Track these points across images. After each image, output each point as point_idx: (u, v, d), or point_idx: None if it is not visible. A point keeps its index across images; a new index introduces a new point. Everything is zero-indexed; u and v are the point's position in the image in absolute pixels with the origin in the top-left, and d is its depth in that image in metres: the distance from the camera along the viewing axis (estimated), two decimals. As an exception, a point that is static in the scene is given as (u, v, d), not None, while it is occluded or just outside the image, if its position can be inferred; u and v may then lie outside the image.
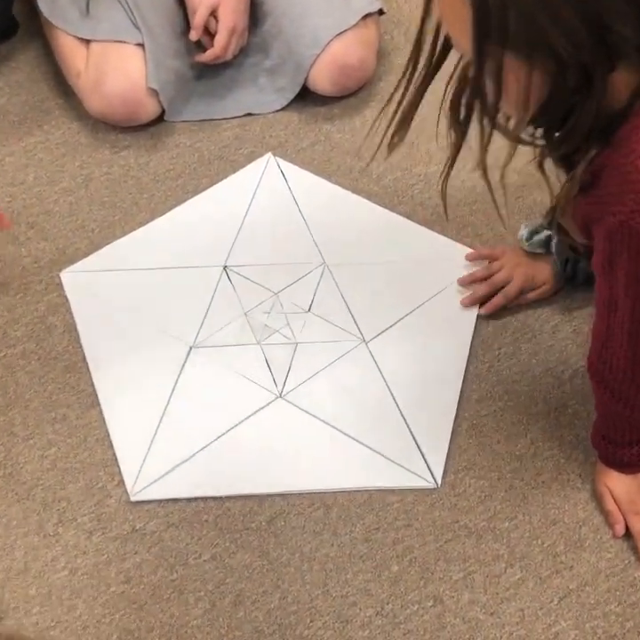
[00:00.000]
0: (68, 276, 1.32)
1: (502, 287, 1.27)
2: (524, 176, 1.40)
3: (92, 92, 1.42)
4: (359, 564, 1.10)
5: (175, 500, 1.14)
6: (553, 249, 1.24)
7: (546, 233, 1.23)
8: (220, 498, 1.14)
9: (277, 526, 1.12)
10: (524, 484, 1.15)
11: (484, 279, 1.29)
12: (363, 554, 1.11)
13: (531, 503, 1.14)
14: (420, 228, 1.37)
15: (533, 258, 1.26)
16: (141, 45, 1.42)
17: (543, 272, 1.26)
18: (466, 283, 1.29)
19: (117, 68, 1.41)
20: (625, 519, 1.10)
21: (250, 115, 1.50)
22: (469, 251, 1.34)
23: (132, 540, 1.12)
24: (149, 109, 1.44)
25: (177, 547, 1.11)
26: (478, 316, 1.28)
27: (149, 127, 1.47)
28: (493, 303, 1.27)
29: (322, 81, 1.46)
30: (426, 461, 1.16)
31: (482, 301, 1.28)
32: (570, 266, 1.25)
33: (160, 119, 1.47)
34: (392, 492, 1.15)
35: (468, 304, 1.28)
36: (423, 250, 1.35)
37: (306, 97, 1.50)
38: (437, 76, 0.90)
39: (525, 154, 0.89)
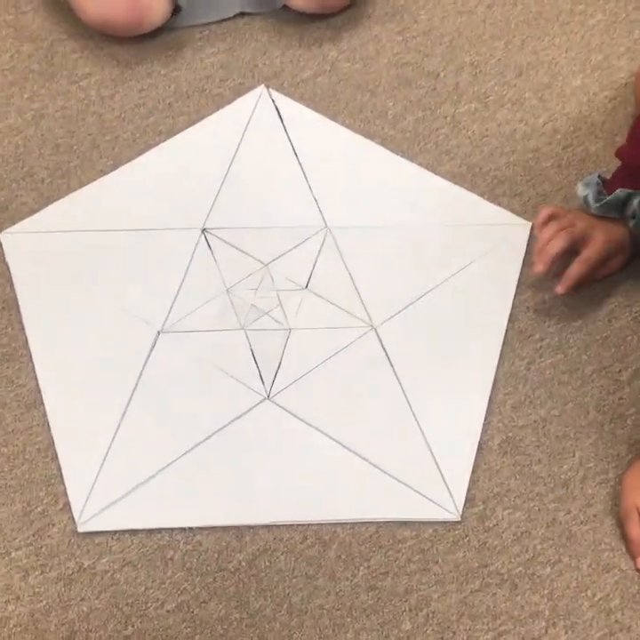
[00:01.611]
0: (9, 238, 1.09)
1: (579, 250, 1.00)
2: (574, 120, 1.16)
3: None
4: (362, 619, 0.89)
5: (133, 532, 0.93)
6: (632, 212, 0.98)
7: (624, 191, 0.98)
8: (190, 530, 0.93)
9: (260, 568, 0.91)
10: (571, 518, 0.94)
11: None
12: (367, 606, 0.89)
13: (579, 543, 0.93)
14: (444, 184, 1.13)
15: (605, 221, 1.00)
16: None
17: (620, 236, 1.01)
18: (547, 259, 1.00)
19: None
20: None
21: (243, 14, 1.22)
22: (506, 213, 1.10)
23: (79, 583, 0.91)
24: (157, 13, 1.18)
25: (134, 592, 0.90)
26: (515, 298, 1.04)
27: (116, 51, 1.20)
28: (572, 274, 1.00)
29: None
30: (447, 486, 0.93)
31: (558, 259, 1.00)
32: None
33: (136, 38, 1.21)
34: (405, 524, 0.93)
35: (542, 270, 0.99)
36: (448, 211, 1.11)
37: (307, 16, 1.23)
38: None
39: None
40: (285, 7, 1.22)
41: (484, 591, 0.90)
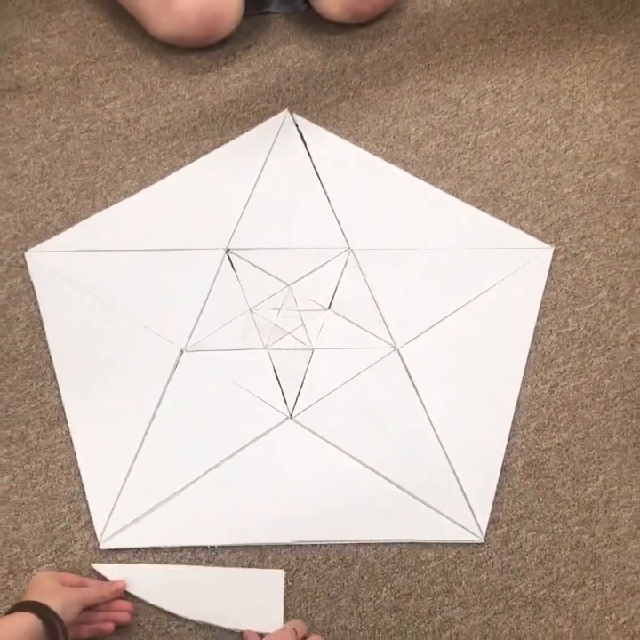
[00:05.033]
0: (34, 257, 1.09)
1: None
2: (595, 146, 1.17)
3: (160, 11, 1.18)
4: (385, 640, 0.87)
5: (155, 550, 0.92)
6: None
7: None
8: (213, 548, 0.92)
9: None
10: (595, 541, 0.92)
11: None
12: (390, 627, 0.88)
13: (603, 566, 0.91)
14: (467, 208, 1.13)
15: None
16: None
17: None
18: None
19: None
20: None
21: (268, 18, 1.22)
22: (528, 237, 1.10)
23: (100, 600, 0.89)
24: (228, 20, 1.20)
25: (155, 610, 0.88)
26: (538, 321, 1.04)
27: (141, 75, 1.21)
28: None
29: (331, 3, 1.20)
30: (471, 508, 0.93)
31: None
32: None
33: (163, 61, 1.21)
34: (428, 546, 0.92)
35: None
36: (470, 235, 1.11)
37: (331, 43, 1.24)
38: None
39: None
40: (313, 16, 1.23)
41: (507, 613, 0.89)
